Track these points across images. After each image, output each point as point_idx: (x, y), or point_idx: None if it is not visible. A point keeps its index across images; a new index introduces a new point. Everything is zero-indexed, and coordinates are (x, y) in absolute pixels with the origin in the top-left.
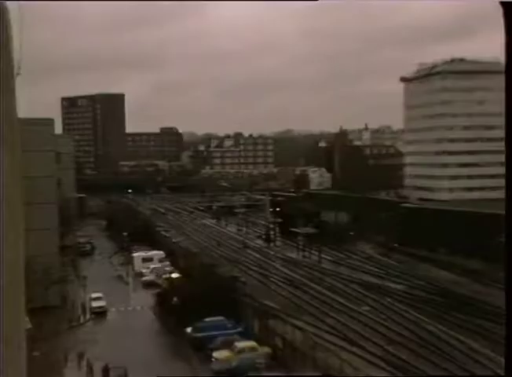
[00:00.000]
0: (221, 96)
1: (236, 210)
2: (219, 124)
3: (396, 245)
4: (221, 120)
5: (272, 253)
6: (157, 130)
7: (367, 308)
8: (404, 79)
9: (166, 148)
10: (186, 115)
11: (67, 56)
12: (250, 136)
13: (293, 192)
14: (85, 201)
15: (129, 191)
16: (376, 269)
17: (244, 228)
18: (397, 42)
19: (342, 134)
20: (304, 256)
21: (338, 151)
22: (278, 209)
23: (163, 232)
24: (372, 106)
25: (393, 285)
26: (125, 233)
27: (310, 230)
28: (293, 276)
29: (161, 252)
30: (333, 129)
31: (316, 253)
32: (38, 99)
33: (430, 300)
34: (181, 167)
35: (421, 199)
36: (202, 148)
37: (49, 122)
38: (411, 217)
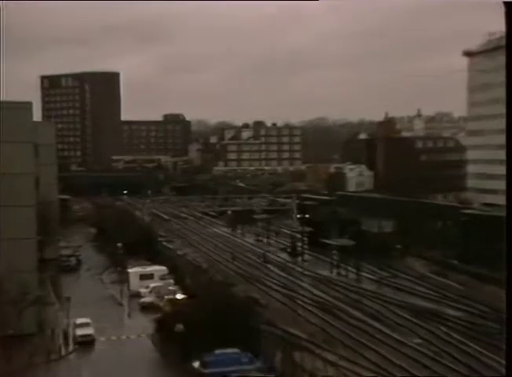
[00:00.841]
0: (238, 76)
1: (255, 217)
2: (235, 110)
3: (455, 262)
4: (238, 106)
5: (300, 269)
6: (159, 118)
7: (418, 340)
8: (467, 53)
9: (170, 140)
10: (195, 100)
11: (53, 27)
12: (274, 125)
13: (325, 195)
14: (69, 204)
15: (125, 192)
16: (430, 292)
17: (265, 239)
18: (458, 6)
19: (388, 123)
20: (339, 274)
21: (382, 144)
22: (307, 215)
23: (166, 243)
24: (427, 88)
25: (451, 311)
26: (119, 244)
27: (346, 242)
28: (325, 299)
29: (163, 268)
30: (376, 116)
31: (354, 270)
32: (13, 78)
33: (496, 331)
34: (188, 163)
35: (487, 204)
36: (214, 139)
37: (26, 107)
38: (475, 226)
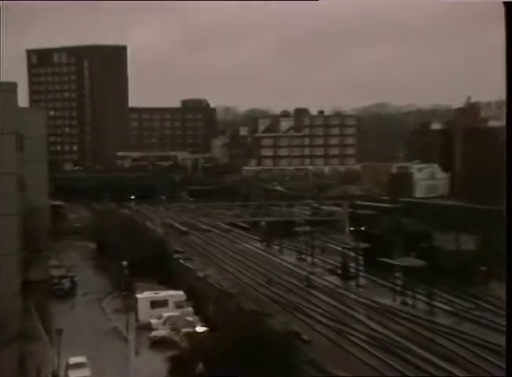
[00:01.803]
0: (277, 52)
1: (296, 229)
2: (272, 95)
3: None
4: (276, 89)
5: (353, 296)
6: (177, 104)
7: None
8: None
9: (190, 132)
10: (222, 82)
11: None
12: (321, 113)
13: (386, 202)
14: (63, 212)
15: (132, 197)
16: None
17: (308, 257)
18: None
19: (470, 110)
20: (404, 303)
21: (462, 136)
22: (362, 228)
23: (184, 262)
24: None
25: None
26: (124, 262)
27: (414, 262)
28: (386, 335)
29: (179, 293)
30: (453, 101)
31: (425, 298)
32: None
33: None
34: (212, 161)
35: None
36: (244, 131)
37: (9, 88)
38: None
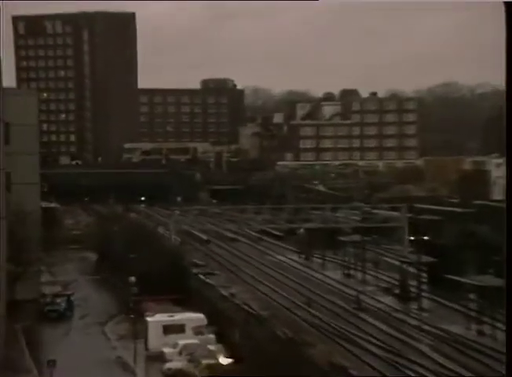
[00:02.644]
0: (318, 21)
1: (343, 239)
2: (313, 74)
3: None
4: (318, 66)
5: (414, 323)
6: (196, 85)
7: None
8: None
9: (212, 119)
10: (252, 58)
11: None
12: (373, 95)
13: (456, 206)
14: (58, 216)
15: (142, 198)
16: None
17: (358, 273)
18: None
19: None
20: (480, 332)
21: None
22: (425, 237)
23: (204, 278)
24: None
25: None
26: (132, 278)
27: (492, 280)
28: (456, 372)
29: (199, 315)
30: None
31: (506, 328)
32: None
33: None
34: (239, 155)
35: None
36: (279, 118)
37: None
38: None
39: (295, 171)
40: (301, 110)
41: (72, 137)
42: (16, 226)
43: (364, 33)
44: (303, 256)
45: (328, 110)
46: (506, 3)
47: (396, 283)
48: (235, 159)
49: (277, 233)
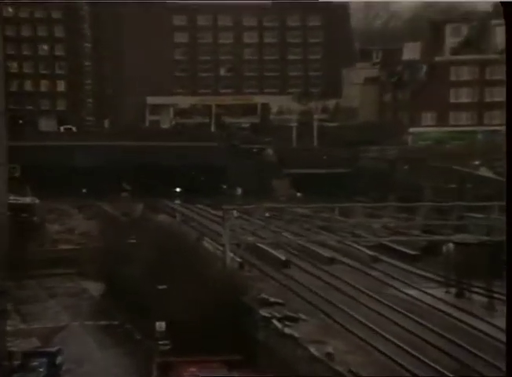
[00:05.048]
0: None
1: None
2: None
3: None
4: None
5: None
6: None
7: None
8: None
9: (296, 55)
10: None
11: None
12: None
13: None
14: (38, 218)
15: (177, 190)
16: None
17: None
18: None
19: None
20: None
21: None
22: None
23: (281, 325)
24: None
25: None
26: (160, 324)
27: None
28: None
29: None
30: None
31: None
32: None
33: None
34: (342, 117)
35: None
36: (413, 52)
37: None
38: None
39: (438, 145)
40: (452, 35)
41: (61, 87)
42: None
43: None
44: (453, 290)
45: (503, 35)
46: (505, 3)
47: None
48: (333, 124)
49: (406, 250)
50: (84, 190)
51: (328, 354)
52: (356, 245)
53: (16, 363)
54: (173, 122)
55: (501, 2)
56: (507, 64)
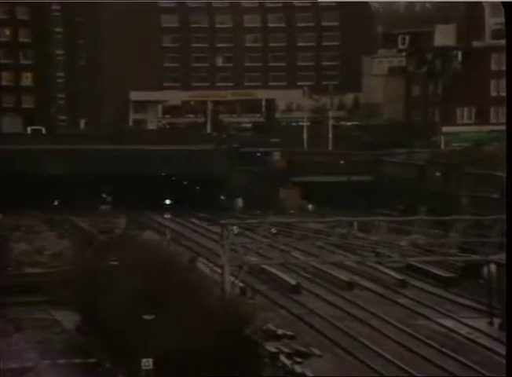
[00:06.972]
0: None
1: None
2: None
3: None
4: None
5: None
6: None
7: None
8: None
9: (308, 41)
10: None
11: None
12: None
13: None
14: (1, 231)
15: (167, 202)
16: None
17: None
18: None
19: None
20: None
21: None
22: None
23: (290, 362)
24: None
25: None
26: (146, 361)
27: None
28: None
29: None
30: None
31: None
32: None
33: None
34: (361, 114)
35: None
36: (445, 37)
37: None
38: None
39: (476, 147)
40: (493, 15)
41: (27, 78)
42: None
43: None
44: (496, 320)
45: None
46: (505, 3)
47: None
48: (352, 123)
49: (440, 273)
50: (55, 203)
51: None
52: (379, 267)
53: None
54: (162, 122)
55: (501, 2)
56: (507, 64)
